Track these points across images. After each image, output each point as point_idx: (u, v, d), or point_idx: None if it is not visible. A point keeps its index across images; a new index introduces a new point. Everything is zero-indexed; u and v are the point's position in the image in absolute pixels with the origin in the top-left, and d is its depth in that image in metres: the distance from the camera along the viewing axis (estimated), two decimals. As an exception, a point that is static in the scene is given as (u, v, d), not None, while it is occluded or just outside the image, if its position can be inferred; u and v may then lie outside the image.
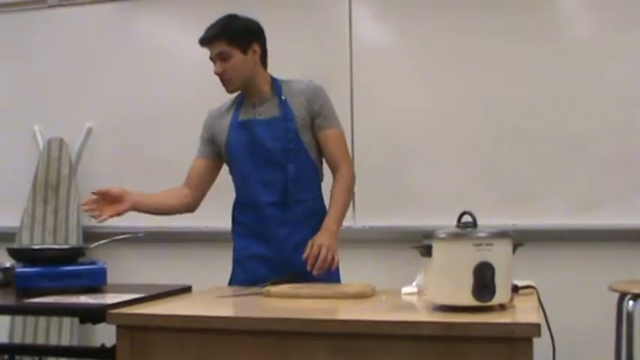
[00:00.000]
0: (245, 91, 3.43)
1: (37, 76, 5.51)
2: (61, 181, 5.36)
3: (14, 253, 3.16)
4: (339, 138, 3.43)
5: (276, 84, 3.43)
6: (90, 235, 5.02)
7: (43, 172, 5.40)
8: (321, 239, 3.16)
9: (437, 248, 2.36)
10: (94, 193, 3.23)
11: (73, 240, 5.20)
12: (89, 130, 5.40)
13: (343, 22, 4.94)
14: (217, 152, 3.50)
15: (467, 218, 2.40)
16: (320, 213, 3.38)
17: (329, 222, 3.27)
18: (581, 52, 4.62)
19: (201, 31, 3.38)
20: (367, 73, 4.88)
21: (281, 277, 3.12)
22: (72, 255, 3.13)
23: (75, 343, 5.12)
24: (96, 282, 3.04)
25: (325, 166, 3.48)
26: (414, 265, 2.76)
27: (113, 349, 2.53)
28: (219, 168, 3.56)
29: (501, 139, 4.69)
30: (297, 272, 3.15)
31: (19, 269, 2.97)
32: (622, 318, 3.94)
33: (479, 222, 2.38)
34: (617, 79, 4.55)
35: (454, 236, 2.36)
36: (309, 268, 3.10)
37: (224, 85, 3.39)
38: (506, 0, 4.72)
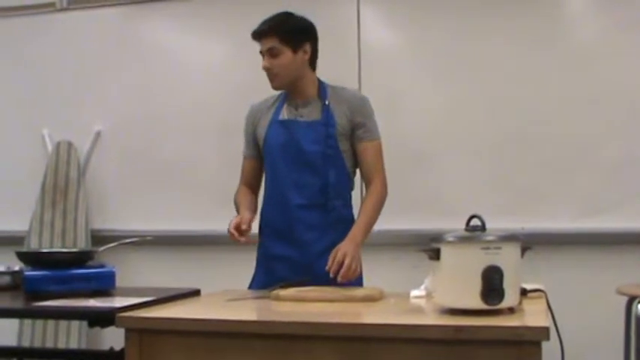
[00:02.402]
0: (290, 90, 3.42)
1: (45, 80, 5.51)
2: (69, 185, 5.37)
3: (23, 257, 3.17)
4: (378, 152, 3.42)
5: (322, 87, 3.43)
6: (98, 239, 5.03)
7: (51, 175, 5.41)
8: (346, 248, 3.15)
9: (445, 252, 2.36)
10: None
11: (82, 243, 5.20)
12: (98, 134, 5.40)
13: (351, 24, 4.94)
14: (261, 148, 3.50)
15: (475, 222, 2.40)
16: (347, 221, 3.38)
17: (355, 232, 3.26)
18: (588, 55, 4.62)
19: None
20: (375, 75, 4.88)
21: (301, 280, 3.12)
22: (80, 258, 3.14)
23: (83, 346, 5.12)
24: (104, 285, 3.04)
25: (358, 176, 3.49)
26: (422, 268, 2.75)
27: (122, 352, 2.54)
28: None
29: (509, 143, 4.69)
30: (318, 277, 3.14)
31: (28, 272, 2.97)
32: (630, 321, 3.93)
33: (487, 225, 2.38)
34: (624, 82, 4.54)
35: (463, 240, 2.36)
36: (332, 275, 3.08)
37: (270, 80, 3.38)
38: (514, 3, 4.72)
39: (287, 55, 3.32)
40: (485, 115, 4.74)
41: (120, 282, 3.12)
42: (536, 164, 4.64)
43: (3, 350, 3.87)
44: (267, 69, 3.35)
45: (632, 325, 3.92)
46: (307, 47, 3.38)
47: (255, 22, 3.44)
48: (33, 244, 5.30)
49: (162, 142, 5.26)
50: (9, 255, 3.30)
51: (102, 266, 3.13)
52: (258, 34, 3.36)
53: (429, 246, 2.40)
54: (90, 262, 3.14)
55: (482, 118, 4.74)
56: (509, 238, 2.34)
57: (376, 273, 4.37)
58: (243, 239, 3.16)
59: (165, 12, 5.31)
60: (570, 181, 4.59)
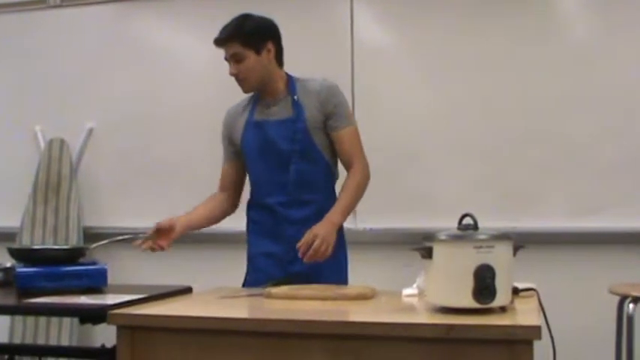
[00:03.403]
0: (261, 90, 3.44)
1: (38, 77, 5.50)
2: (61, 182, 5.36)
3: (15, 253, 3.16)
4: (353, 138, 3.43)
5: (291, 83, 3.44)
6: (90, 236, 5.02)
7: (43, 172, 5.40)
8: (318, 229, 3.19)
9: (438, 250, 2.36)
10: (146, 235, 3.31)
11: (74, 240, 5.19)
12: (90, 131, 5.40)
13: (345, 23, 4.94)
14: (239, 152, 3.52)
15: (468, 220, 2.40)
16: None
17: (331, 213, 3.29)
18: (583, 55, 4.63)
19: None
20: (369, 74, 4.88)
21: (286, 277, 3.13)
22: (72, 255, 3.13)
23: (75, 343, 5.11)
24: (96, 282, 3.04)
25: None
26: (414, 267, 2.75)
27: (113, 349, 2.54)
28: (244, 172, 3.59)
29: (502, 142, 4.69)
30: (304, 273, 3.18)
31: (20, 269, 2.97)
32: (622, 321, 3.94)
33: (479, 224, 2.38)
34: (618, 82, 4.56)
35: (455, 238, 2.36)
36: (300, 255, 3.15)
37: (240, 85, 3.40)
38: (508, 2, 4.73)
39: (251, 58, 3.34)
40: (479, 115, 4.74)
41: (112, 279, 3.11)
42: (529, 163, 4.65)
43: (-6, 347, 3.87)
44: (234, 75, 3.37)
45: (623, 325, 3.92)
46: (270, 46, 3.39)
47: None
48: (25, 241, 5.29)
49: (155, 140, 5.26)
50: (1, 251, 3.30)
51: (94, 263, 3.13)
52: (219, 42, 3.37)
53: (422, 244, 2.40)
54: (82, 259, 3.14)
55: (475, 118, 4.74)
56: (502, 237, 2.35)
57: (368, 271, 4.37)
58: (143, 246, 3.31)
59: (159, 9, 5.31)
60: (563, 181, 4.61)
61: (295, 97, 3.38)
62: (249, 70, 3.34)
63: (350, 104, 4.80)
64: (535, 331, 2.11)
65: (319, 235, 3.16)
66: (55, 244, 5.18)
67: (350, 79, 4.88)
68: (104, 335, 2.89)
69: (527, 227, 4.44)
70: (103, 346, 3.27)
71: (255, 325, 2.40)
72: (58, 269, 2.99)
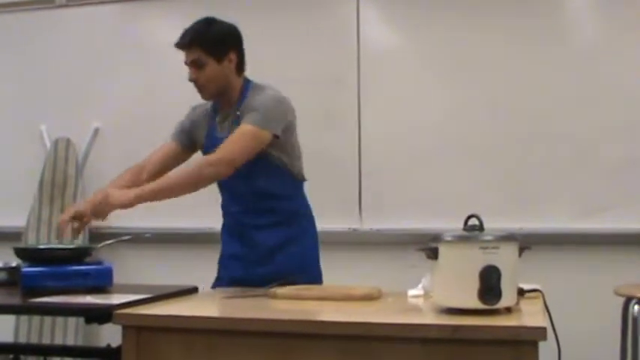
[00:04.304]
0: (219, 98, 3.38)
1: (44, 76, 5.51)
2: (67, 181, 5.36)
3: (20, 253, 3.16)
4: (239, 134, 3.18)
5: (242, 95, 3.34)
6: (96, 236, 5.01)
7: (49, 172, 5.41)
8: (80, 205, 3.17)
9: (443, 251, 2.36)
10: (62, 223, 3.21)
11: (79, 240, 5.19)
12: (96, 131, 5.40)
13: (351, 24, 4.94)
14: (191, 145, 3.49)
15: (473, 221, 2.40)
16: (298, 214, 3.41)
17: (131, 192, 3.16)
18: (589, 55, 4.62)
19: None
20: (375, 75, 4.88)
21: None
22: (78, 255, 3.13)
23: (80, 343, 5.12)
24: (102, 282, 3.04)
25: (307, 164, 3.45)
26: (420, 267, 2.75)
27: (119, 349, 2.54)
28: (184, 160, 3.52)
29: (508, 143, 4.69)
30: (267, 273, 3.18)
31: (25, 269, 2.97)
32: (627, 322, 3.94)
33: (485, 225, 2.38)
34: (623, 83, 4.55)
35: (461, 239, 2.36)
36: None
37: (199, 91, 3.35)
38: (513, 3, 4.72)
39: (212, 66, 3.27)
40: (485, 115, 4.74)
41: (117, 279, 3.11)
42: (535, 164, 4.65)
43: None
44: (193, 81, 3.32)
45: (628, 326, 3.92)
46: (232, 55, 3.32)
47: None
48: (30, 241, 5.30)
49: (161, 140, 5.20)
50: (6, 251, 3.30)
51: (99, 263, 3.13)
52: (181, 46, 3.31)
53: (427, 245, 2.40)
54: (87, 259, 3.14)
55: (481, 118, 4.74)
56: (507, 238, 2.35)
57: (374, 272, 4.38)
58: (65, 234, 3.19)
59: (165, 9, 5.31)
60: (569, 182, 4.60)
61: (238, 113, 3.28)
62: (209, 79, 3.28)
63: (356, 104, 4.85)
64: (540, 332, 2.11)
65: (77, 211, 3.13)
66: (60, 243, 5.18)
67: (356, 80, 4.88)
68: (110, 335, 2.88)
69: (533, 228, 4.44)
70: (108, 345, 3.27)
71: (262, 326, 2.40)
72: (63, 269, 2.99)
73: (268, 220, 3.33)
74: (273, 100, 3.26)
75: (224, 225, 3.51)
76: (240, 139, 3.17)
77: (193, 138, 3.48)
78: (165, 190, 3.17)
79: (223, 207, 3.48)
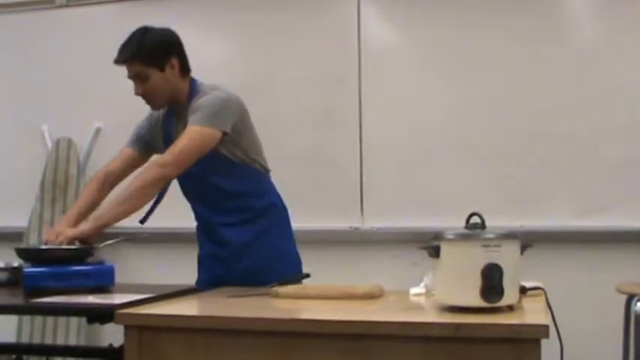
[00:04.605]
0: (171, 103, 3.36)
1: (45, 76, 5.51)
2: (69, 182, 5.37)
3: (22, 253, 3.16)
4: (186, 135, 3.15)
5: (190, 98, 3.31)
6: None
7: (51, 172, 5.41)
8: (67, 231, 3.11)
9: (445, 249, 2.36)
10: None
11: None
12: (98, 131, 5.41)
13: (352, 23, 4.94)
14: (148, 150, 3.49)
15: (475, 219, 2.40)
16: (266, 211, 3.39)
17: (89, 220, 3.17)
18: (590, 54, 4.62)
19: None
20: (376, 74, 4.88)
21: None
22: (80, 255, 3.12)
23: (82, 343, 5.12)
24: (104, 282, 3.04)
25: (272, 157, 3.44)
26: (422, 266, 2.75)
27: (121, 349, 2.54)
28: (145, 162, 3.49)
29: (510, 141, 4.69)
30: (238, 270, 3.25)
31: (27, 269, 2.97)
32: (630, 319, 3.94)
33: (487, 223, 2.38)
34: (623, 83, 4.56)
35: (462, 237, 2.36)
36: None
37: (148, 104, 3.34)
38: (514, 3, 4.72)
39: (156, 76, 3.25)
40: (486, 114, 4.74)
41: (119, 279, 3.11)
42: (536, 163, 4.65)
43: (2, 347, 3.87)
44: (140, 95, 3.30)
45: (631, 323, 3.92)
46: (174, 61, 3.29)
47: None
48: (32, 241, 5.30)
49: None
50: (8, 251, 3.30)
51: (101, 263, 3.13)
52: (119, 62, 3.29)
53: (429, 244, 2.40)
54: (89, 259, 3.14)
55: (482, 117, 4.74)
56: (509, 235, 2.34)
57: (376, 270, 4.39)
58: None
59: (165, 9, 5.30)
60: (570, 180, 4.60)
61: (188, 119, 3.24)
62: (155, 89, 3.25)
63: (357, 103, 4.85)
64: (543, 330, 2.11)
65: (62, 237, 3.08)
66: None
67: (357, 79, 4.88)
68: (111, 335, 2.89)
69: (535, 226, 4.45)
70: (110, 345, 3.27)
71: (263, 325, 2.40)
72: (65, 269, 2.99)
73: (237, 218, 3.34)
74: (217, 98, 3.23)
75: (198, 226, 3.51)
76: (185, 140, 3.14)
77: (150, 144, 3.48)
78: (123, 210, 3.13)
79: (192, 208, 3.48)
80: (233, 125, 3.22)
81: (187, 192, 3.43)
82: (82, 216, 3.26)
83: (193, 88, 3.34)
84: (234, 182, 3.32)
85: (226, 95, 3.27)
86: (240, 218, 3.34)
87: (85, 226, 3.12)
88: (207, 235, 3.44)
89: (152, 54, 3.25)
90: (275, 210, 3.43)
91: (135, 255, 4.78)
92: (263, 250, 3.33)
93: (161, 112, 3.46)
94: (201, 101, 3.21)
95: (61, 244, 3.05)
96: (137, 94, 3.30)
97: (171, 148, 3.16)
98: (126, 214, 3.12)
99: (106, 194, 3.45)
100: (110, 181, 3.46)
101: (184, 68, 3.35)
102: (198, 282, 3.46)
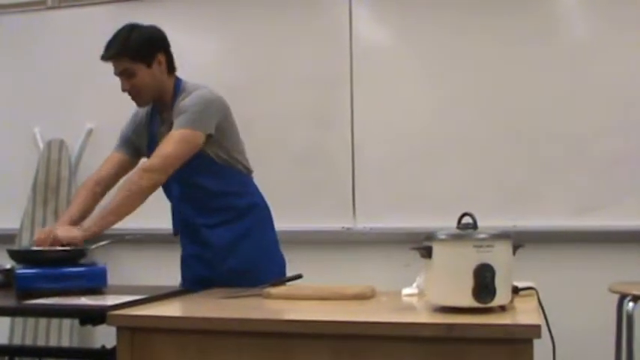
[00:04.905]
0: (155, 102, 3.37)
1: (36, 78, 5.50)
2: (61, 183, 5.36)
3: (14, 255, 3.16)
4: (170, 139, 3.16)
5: (175, 97, 3.32)
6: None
7: (43, 173, 5.40)
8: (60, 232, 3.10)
9: (437, 250, 2.36)
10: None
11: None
12: (89, 132, 5.40)
13: (344, 23, 4.93)
14: (136, 153, 3.49)
15: (467, 220, 2.40)
16: (249, 210, 3.39)
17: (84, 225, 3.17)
18: (581, 52, 4.63)
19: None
20: (368, 73, 4.88)
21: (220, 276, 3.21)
22: (72, 256, 3.12)
23: (75, 344, 5.12)
24: (96, 283, 3.03)
25: (254, 156, 3.45)
26: (414, 266, 2.76)
27: (113, 350, 2.53)
28: (135, 165, 3.49)
29: (502, 140, 4.70)
30: (221, 270, 3.27)
31: (19, 270, 2.96)
32: (622, 319, 3.94)
33: (479, 223, 2.38)
34: (616, 80, 4.55)
35: (454, 238, 2.36)
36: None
37: (134, 100, 3.34)
38: (505, 2, 4.72)
39: (142, 72, 3.26)
40: (478, 113, 4.74)
41: (111, 280, 3.11)
42: (529, 162, 4.65)
43: (-6, 348, 3.87)
44: (127, 91, 3.30)
45: (623, 323, 3.93)
46: (161, 57, 3.31)
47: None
48: (24, 242, 5.29)
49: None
50: (0, 253, 3.30)
51: (93, 264, 3.13)
52: (106, 59, 3.30)
53: (421, 244, 2.40)
54: (81, 260, 3.13)
55: (474, 116, 4.74)
56: (501, 236, 2.35)
57: (368, 271, 4.38)
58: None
59: (158, 10, 5.29)
60: (562, 179, 4.60)
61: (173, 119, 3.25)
62: (142, 85, 3.27)
63: (349, 103, 4.85)
64: (535, 330, 2.11)
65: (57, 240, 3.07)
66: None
67: (349, 78, 4.88)
68: (104, 336, 2.89)
69: (527, 226, 4.45)
70: (103, 347, 3.27)
71: (256, 326, 2.40)
72: (57, 270, 2.99)
73: (220, 219, 3.34)
74: (201, 99, 3.24)
75: (180, 228, 3.50)
76: (171, 144, 3.15)
77: (137, 146, 3.48)
78: (112, 221, 3.13)
79: (176, 213, 3.47)
80: (217, 125, 3.24)
81: (170, 192, 3.42)
82: (75, 223, 3.25)
83: (177, 87, 3.35)
84: (218, 182, 3.32)
85: (210, 95, 3.28)
86: (223, 218, 3.34)
87: (77, 233, 3.11)
88: (189, 237, 3.44)
89: (139, 50, 3.27)
90: (258, 209, 3.44)
91: (127, 256, 4.77)
92: (247, 250, 3.34)
93: (145, 112, 3.47)
94: (186, 103, 3.21)
95: (52, 242, 3.04)
96: (124, 90, 3.31)
97: (157, 153, 3.17)
98: (115, 222, 3.13)
99: (98, 201, 3.45)
100: (102, 187, 3.46)
101: (170, 65, 3.37)
102: (182, 282, 3.46)
